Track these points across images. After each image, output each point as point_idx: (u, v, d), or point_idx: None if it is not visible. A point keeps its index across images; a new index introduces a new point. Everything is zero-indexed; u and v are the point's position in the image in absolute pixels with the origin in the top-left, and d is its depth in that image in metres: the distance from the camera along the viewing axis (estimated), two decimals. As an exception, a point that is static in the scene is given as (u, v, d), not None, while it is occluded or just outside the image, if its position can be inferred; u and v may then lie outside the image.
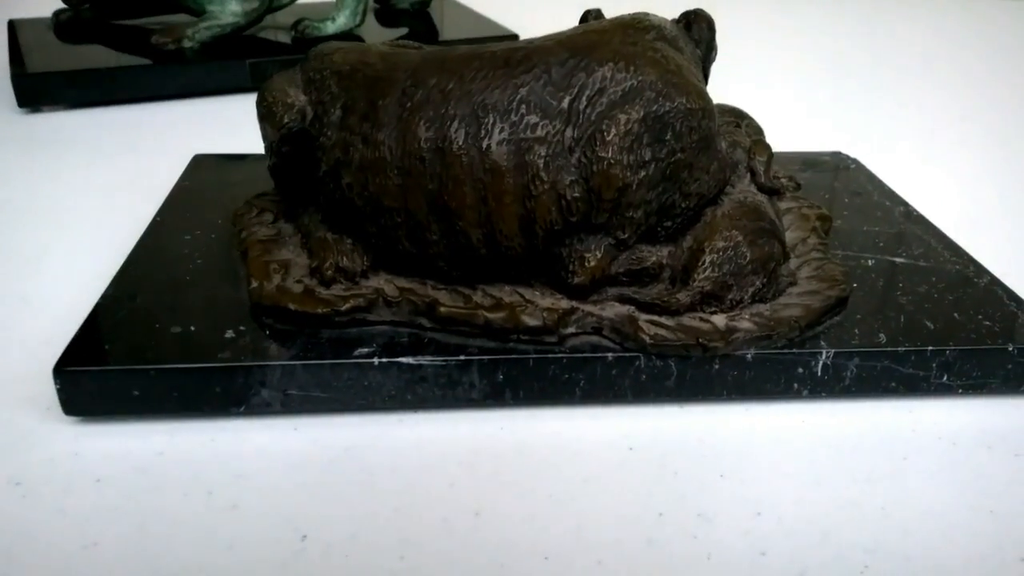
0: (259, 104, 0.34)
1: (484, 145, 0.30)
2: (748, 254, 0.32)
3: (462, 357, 0.31)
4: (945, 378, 0.33)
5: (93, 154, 0.55)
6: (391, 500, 0.28)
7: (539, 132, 0.30)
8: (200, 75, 0.64)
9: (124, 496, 0.28)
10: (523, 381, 0.32)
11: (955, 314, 0.34)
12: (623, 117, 0.30)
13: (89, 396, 0.30)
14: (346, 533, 0.27)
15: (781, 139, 0.56)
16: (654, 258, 0.33)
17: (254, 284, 0.33)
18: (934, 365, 0.33)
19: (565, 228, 0.31)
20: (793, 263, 0.36)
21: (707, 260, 0.32)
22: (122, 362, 0.30)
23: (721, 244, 0.32)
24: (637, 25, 0.32)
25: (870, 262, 0.38)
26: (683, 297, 0.32)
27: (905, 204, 0.44)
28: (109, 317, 0.33)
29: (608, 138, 0.30)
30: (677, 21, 0.37)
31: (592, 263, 0.32)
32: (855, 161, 0.50)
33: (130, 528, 0.27)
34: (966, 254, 0.39)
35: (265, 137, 0.34)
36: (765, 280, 0.33)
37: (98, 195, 0.49)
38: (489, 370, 0.31)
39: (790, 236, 0.38)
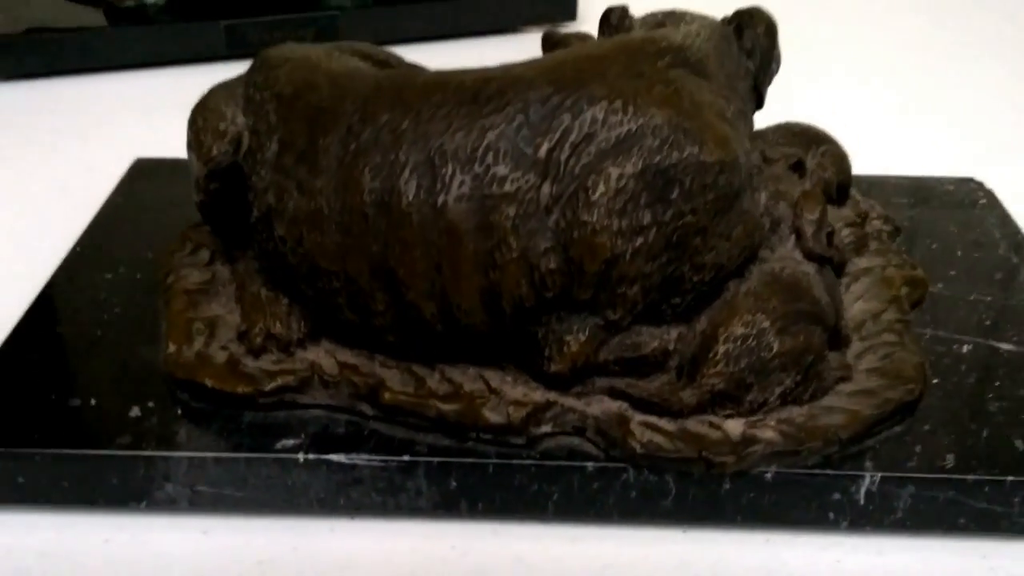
0: (189, 127, 0.38)
1: (440, 201, 0.33)
2: (775, 345, 0.35)
3: (406, 458, 0.34)
4: (1032, 517, 0.35)
5: (21, 146, 0.60)
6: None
7: (508, 187, 0.33)
8: (165, 39, 0.69)
9: (-7, 606, 0.32)
10: (482, 490, 0.35)
11: (1058, 430, 0.36)
12: (615, 171, 0.33)
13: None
14: (241, 671, 0.31)
15: (890, 159, 0.57)
16: (656, 343, 0.35)
17: (171, 349, 0.37)
18: (1016, 500, 0.34)
19: (539, 305, 0.34)
20: (856, 348, 0.39)
21: (720, 351, 0.35)
22: (5, 442, 0.35)
23: (740, 331, 0.35)
24: (648, 48, 0.35)
25: (965, 348, 0.40)
26: (688, 396, 0.35)
27: (1041, 261, 0.46)
28: (1, 382, 0.37)
29: (594, 197, 0.33)
30: (728, 22, 0.39)
31: (574, 348, 0.35)
32: (988, 193, 0.51)
33: (-4, 646, 0.31)
34: (1103, 341, 0.40)
35: (191, 170, 0.38)
36: (799, 378, 0.35)
37: (17, 207, 0.54)
38: (440, 475, 0.35)
39: (860, 308, 0.40)
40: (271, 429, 0.35)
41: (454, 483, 0.35)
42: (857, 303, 0.41)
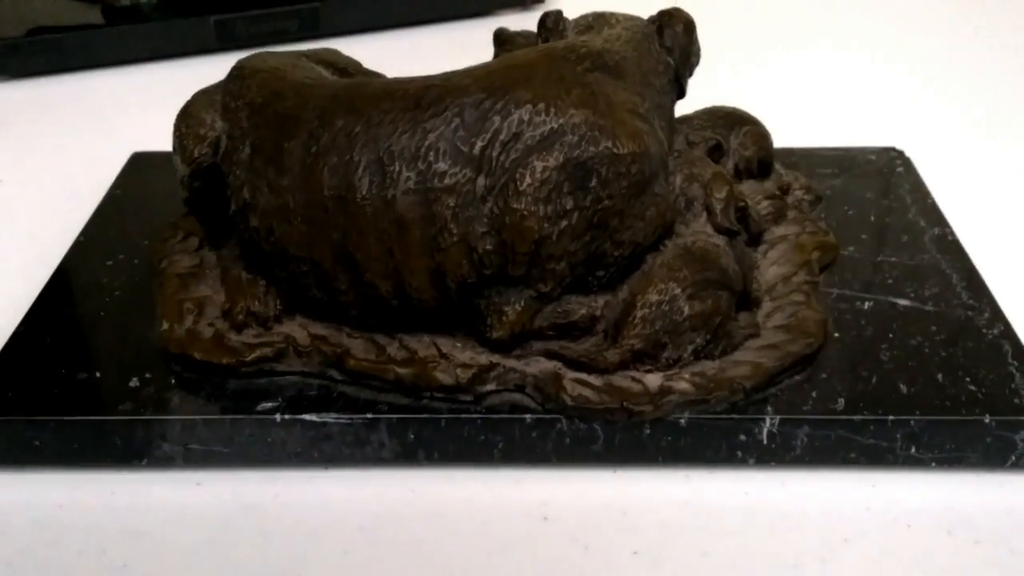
0: (174, 132, 0.43)
1: (389, 195, 0.38)
2: (686, 309, 0.40)
3: (369, 416, 0.39)
4: (913, 450, 0.40)
5: (27, 142, 0.65)
6: (281, 565, 0.37)
7: (448, 181, 0.38)
8: (159, 35, 0.74)
9: (17, 550, 0.38)
10: (436, 442, 0.40)
11: (939, 375, 0.41)
12: (540, 164, 0.38)
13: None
14: (231, 598, 0.36)
15: (821, 131, 0.62)
16: (584, 310, 0.40)
17: (164, 326, 0.43)
18: (898, 436, 0.39)
19: (479, 281, 0.39)
20: (766, 307, 0.43)
21: (638, 315, 0.40)
22: (24, 411, 0.40)
23: (655, 298, 0.40)
24: (568, 55, 0.40)
25: (867, 305, 0.45)
26: (612, 355, 0.40)
27: (944, 225, 0.50)
28: (16, 360, 0.42)
29: (522, 187, 0.38)
30: (652, 22, 0.44)
31: (511, 316, 0.40)
32: (906, 162, 0.56)
33: (23, 584, 0.37)
34: (989, 296, 0.45)
35: (176, 170, 0.43)
36: (709, 337, 0.40)
37: (26, 200, 0.59)
38: (399, 430, 0.40)
39: (773, 272, 0.45)
40: (252, 394, 0.40)
41: (412, 436, 0.40)
42: (772, 268, 0.46)
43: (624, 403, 0.39)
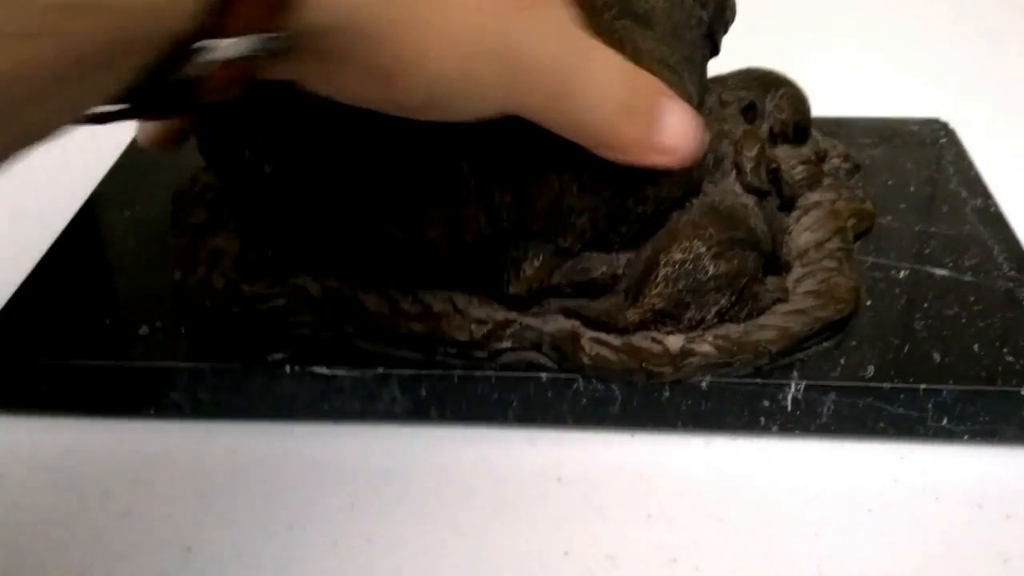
0: None
1: None
2: (711, 268, 0.38)
3: (380, 370, 0.39)
4: (945, 422, 0.38)
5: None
6: (286, 517, 0.36)
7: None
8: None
9: (22, 494, 0.37)
10: (449, 399, 0.39)
11: (976, 345, 0.39)
12: None
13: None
14: (233, 550, 0.35)
15: (862, 101, 0.60)
16: (604, 268, 0.39)
17: (177, 276, 0.42)
18: (929, 406, 0.38)
19: (497, 234, 0.38)
20: (796, 273, 0.42)
21: (660, 274, 0.38)
22: (33, 356, 0.39)
23: (679, 256, 0.38)
24: (595, 2, 0.38)
25: (902, 274, 0.43)
26: (632, 314, 0.39)
27: (987, 196, 0.48)
28: (29, 305, 0.42)
29: None
30: None
31: (529, 272, 0.39)
32: (950, 133, 0.54)
33: (23, 527, 0.36)
34: (1033, 267, 0.44)
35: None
36: (734, 298, 0.39)
37: (47, 154, 0.59)
38: (411, 385, 0.39)
39: (806, 238, 0.44)
40: (263, 345, 0.40)
41: (424, 392, 0.39)
42: (805, 233, 0.44)
43: (643, 364, 0.38)
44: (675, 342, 0.38)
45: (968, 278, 0.43)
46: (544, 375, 0.38)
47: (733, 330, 0.39)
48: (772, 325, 0.39)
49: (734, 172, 0.41)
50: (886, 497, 0.37)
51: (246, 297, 0.41)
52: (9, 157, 0.23)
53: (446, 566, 0.35)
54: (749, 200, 0.41)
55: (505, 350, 0.39)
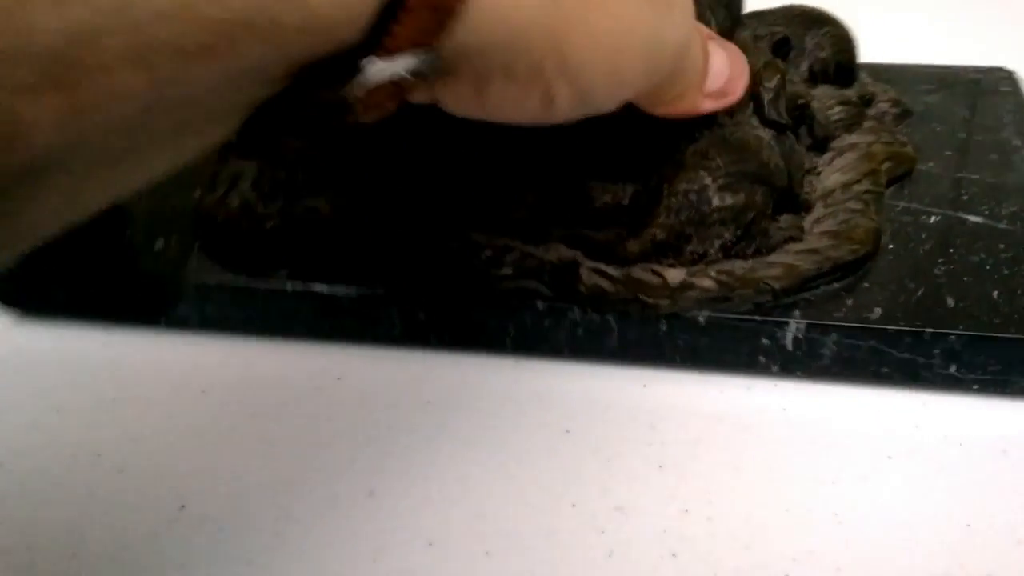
0: None
1: None
2: (715, 200, 0.37)
3: (380, 291, 0.39)
4: (953, 369, 0.36)
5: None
6: (277, 434, 0.37)
7: None
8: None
9: (29, 394, 0.39)
10: (446, 324, 0.39)
11: (995, 292, 0.37)
12: None
13: (12, 288, 0.41)
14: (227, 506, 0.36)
15: (926, 48, 0.57)
16: (608, 197, 0.39)
17: (196, 194, 0.43)
18: (936, 352, 0.36)
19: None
20: (817, 212, 0.41)
21: (663, 205, 0.38)
22: (46, 263, 0.41)
23: (683, 187, 0.38)
24: None
25: (932, 219, 0.42)
26: (633, 245, 0.38)
27: (1041, 146, 0.46)
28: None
29: None
30: None
31: (531, 199, 0.38)
32: (1013, 82, 0.51)
33: (30, 412, 0.38)
34: (1075, 218, 0.41)
35: None
36: (739, 233, 0.38)
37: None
38: (410, 308, 0.39)
39: (835, 179, 0.42)
40: (270, 262, 0.40)
41: (422, 316, 0.39)
42: (834, 175, 0.43)
43: (639, 295, 0.37)
44: (676, 275, 0.38)
45: (1003, 225, 0.41)
46: (540, 303, 0.38)
47: (738, 266, 0.38)
48: (779, 263, 0.38)
49: (751, 104, 0.40)
50: (908, 444, 0.35)
51: (258, 216, 0.41)
52: (157, 166, 0.22)
53: (448, 518, 0.34)
54: (766, 133, 0.39)
55: (505, 277, 0.39)
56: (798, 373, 0.38)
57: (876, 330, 0.36)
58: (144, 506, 0.35)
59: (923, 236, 0.41)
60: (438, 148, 0.39)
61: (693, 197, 0.38)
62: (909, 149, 0.45)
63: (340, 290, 0.39)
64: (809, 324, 0.37)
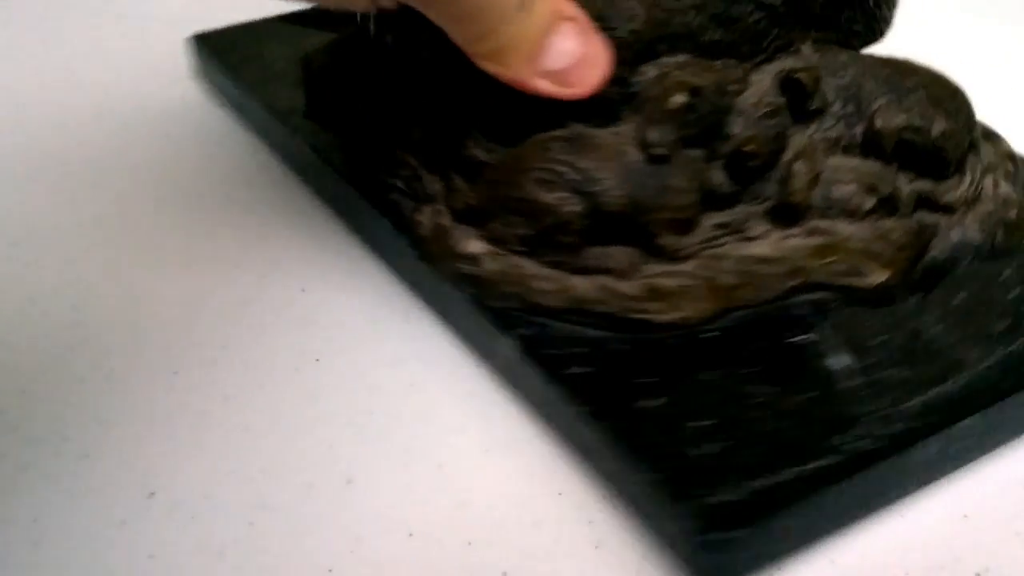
0: None
1: None
2: (526, 190, 0.36)
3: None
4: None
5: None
6: (256, 461, 0.34)
7: None
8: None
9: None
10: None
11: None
12: None
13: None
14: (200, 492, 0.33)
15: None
16: (479, 151, 0.39)
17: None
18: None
19: None
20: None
21: (486, 176, 0.38)
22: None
23: (511, 166, 0.37)
24: None
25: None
26: (458, 200, 0.39)
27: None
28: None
29: None
30: None
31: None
32: None
33: None
34: None
35: None
36: (533, 233, 0.37)
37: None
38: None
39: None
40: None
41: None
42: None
43: (435, 256, 0.39)
44: (474, 246, 0.38)
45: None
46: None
47: (515, 262, 0.38)
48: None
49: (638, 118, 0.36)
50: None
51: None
52: None
53: (430, 508, 0.32)
54: (634, 152, 0.35)
55: (394, 188, 0.40)
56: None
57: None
58: (111, 492, 0.33)
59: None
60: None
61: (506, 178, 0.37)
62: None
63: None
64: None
